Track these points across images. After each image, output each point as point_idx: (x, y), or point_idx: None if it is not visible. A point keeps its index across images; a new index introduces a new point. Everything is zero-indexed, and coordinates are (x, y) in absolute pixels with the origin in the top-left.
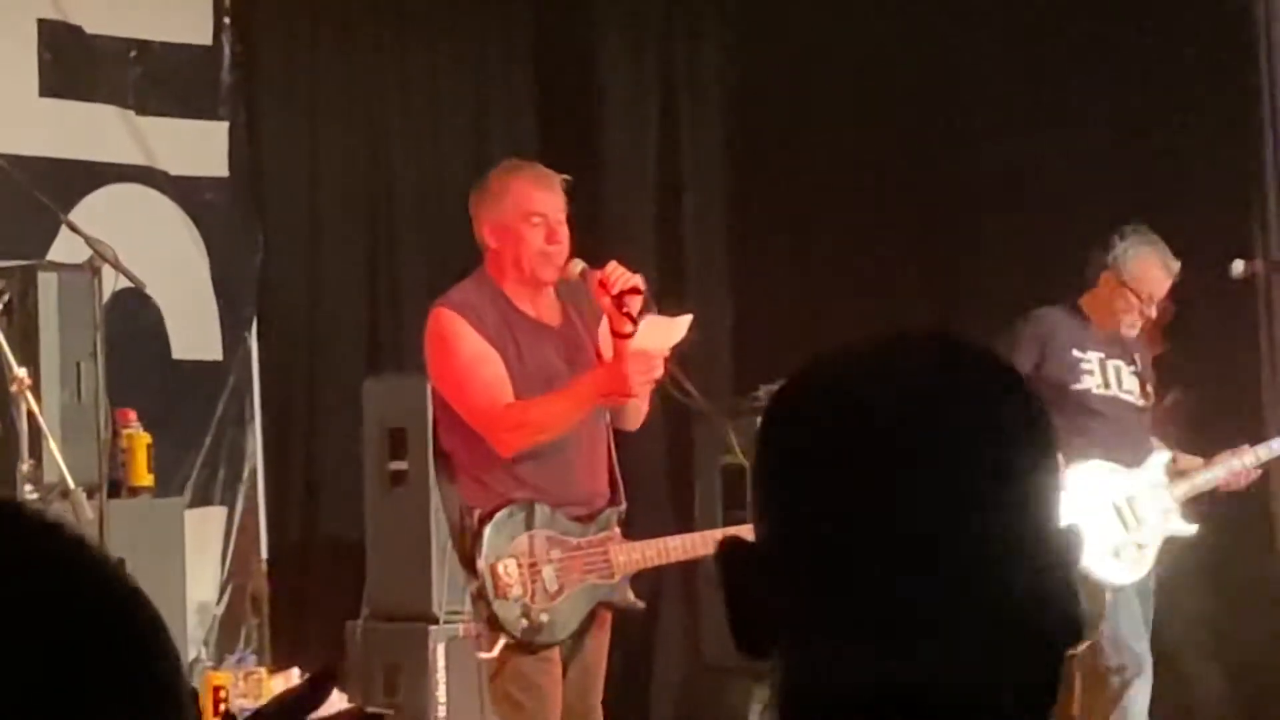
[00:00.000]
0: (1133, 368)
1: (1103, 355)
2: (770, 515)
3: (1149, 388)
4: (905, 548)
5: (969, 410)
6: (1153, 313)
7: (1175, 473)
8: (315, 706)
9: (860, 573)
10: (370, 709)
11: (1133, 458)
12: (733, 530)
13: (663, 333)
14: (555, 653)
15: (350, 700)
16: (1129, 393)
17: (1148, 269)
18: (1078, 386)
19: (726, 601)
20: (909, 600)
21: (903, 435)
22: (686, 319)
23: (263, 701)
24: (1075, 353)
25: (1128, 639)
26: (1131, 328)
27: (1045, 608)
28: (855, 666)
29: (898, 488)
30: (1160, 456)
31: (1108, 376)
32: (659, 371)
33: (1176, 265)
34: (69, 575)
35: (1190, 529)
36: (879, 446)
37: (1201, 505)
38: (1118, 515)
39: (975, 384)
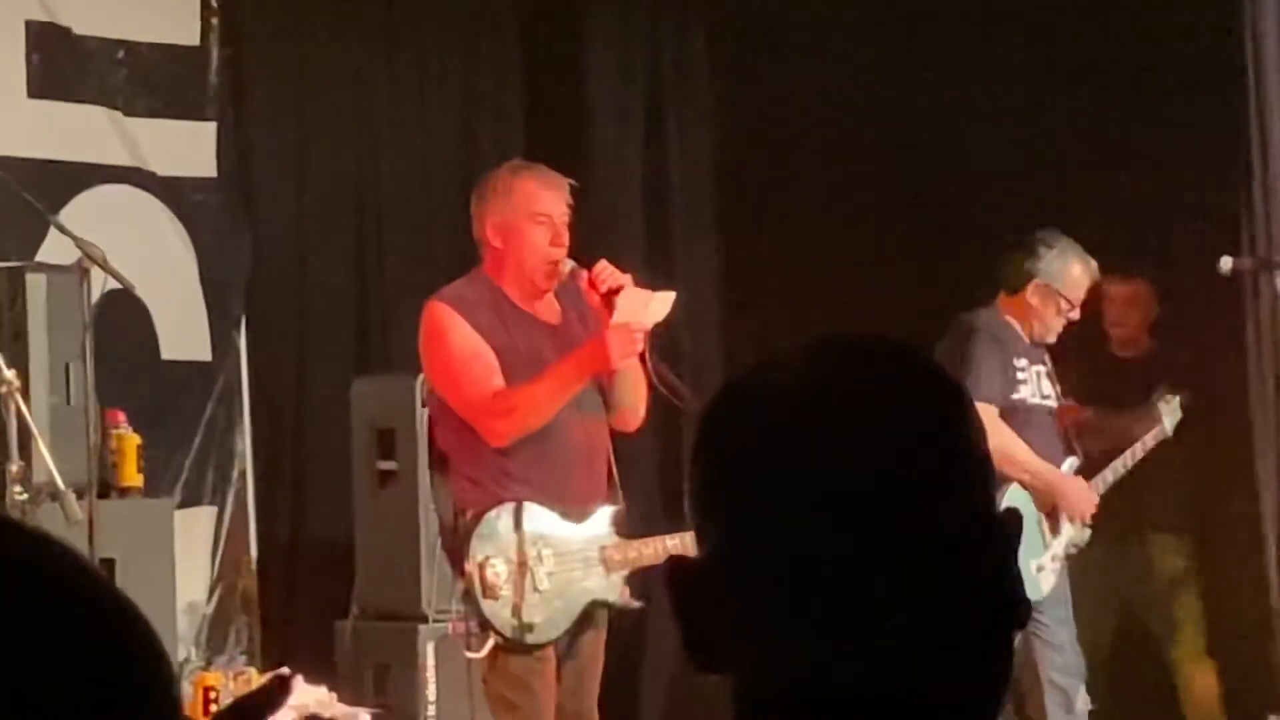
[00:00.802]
0: (1046, 369)
1: (1028, 361)
2: (712, 528)
3: (1058, 388)
4: (849, 548)
5: (901, 408)
6: (1076, 315)
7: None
8: (271, 711)
9: (807, 577)
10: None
11: (1054, 464)
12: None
13: (643, 306)
14: (548, 652)
15: (341, 699)
16: (1047, 397)
17: (1079, 275)
18: (1016, 396)
19: (678, 619)
20: (858, 600)
21: (837, 438)
22: (669, 295)
23: None
24: (1014, 361)
25: (1068, 643)
26: (1055, 333)
27: (991, 594)
28: (811, 671)
29: (835, 491)
30: (1072, 462)
31: (1035, 383)
32: (640, 345)
33: (1095, 266)
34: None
35: (1086, 534)
36: (814, 450)
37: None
38: (1038, 528)
39: (905, 382)
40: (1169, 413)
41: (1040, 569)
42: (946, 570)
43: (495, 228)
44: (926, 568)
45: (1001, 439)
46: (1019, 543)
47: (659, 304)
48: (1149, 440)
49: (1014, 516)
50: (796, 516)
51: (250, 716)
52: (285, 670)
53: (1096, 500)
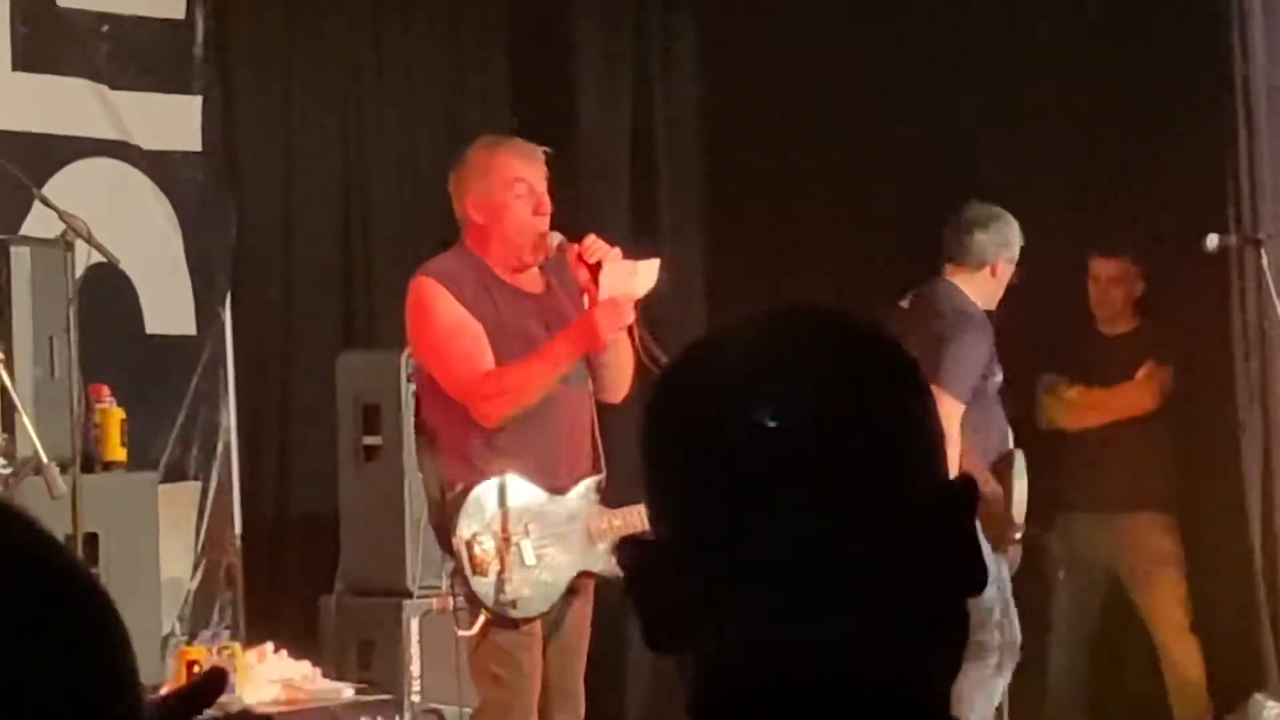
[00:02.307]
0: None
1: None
2: (665, 507)
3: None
4: (804, 520)
5: (854, 379)
6: None
7: None
8: (199, 709)
9: (762, 552)
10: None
11: (1006, 441)
12: None
13: (628, 278)
14: (536, 627)
15: (325, 675)
16: (999, 375)
17: (1019, 235)
18: (995, 379)
19: (634, 601)
20: (815, 573)
21: (788, 410)
22: (654, 263)
23: (235, 678)
24: (992, 346)
25: (1013, 620)
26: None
27: (949, 560)
28: (770, 648)
29: (787, 463)
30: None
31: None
32: (629, 318)
33: None
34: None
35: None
36: (764, 423)
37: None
38: None
39: (858, 354)
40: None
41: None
42: (906, 541)
43: (476, 204)
44: (887, 538)
45: (955, 452)
46: (976, 510)
47: (645, 273)
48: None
49: (970, 484)
50: (749, 492)
51: (180, 713)
52: (215, 669)
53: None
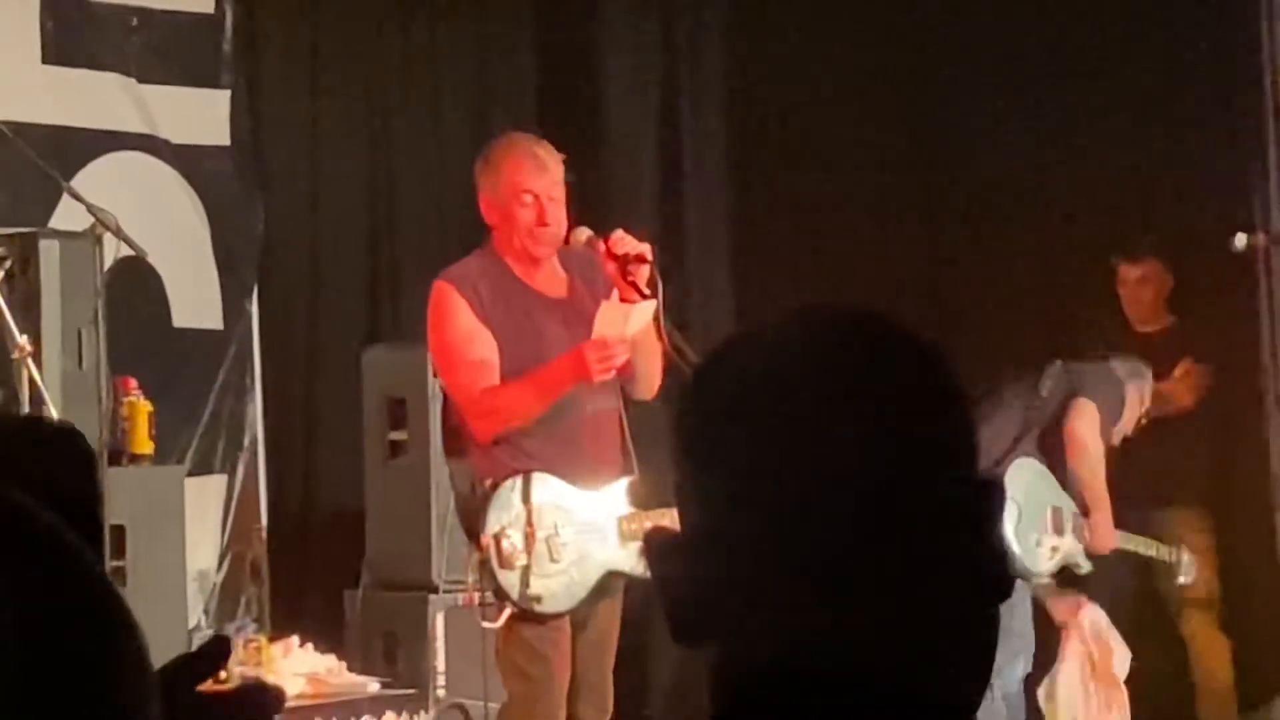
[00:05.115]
0: None
1: None
2: (695, 500)
3: None
4: (835, 521)
5: (884, 379)
6: None
7: None
8: (205, 676)
9: (792, 551)
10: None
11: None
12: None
13: (622, 318)
14: (564, 623)
15: (350, 669)
16: None
17: None
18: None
19: (660, 591)
20: (845, 573)
21: (818, 410)
22: (650, 304)
23: (261, 670)
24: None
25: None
26: None
27: (975, 563)
28: (793, 644)
29: (820, 465)
30: None
31: None
32: (620, 358)
33: None
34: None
35: (1085, 562)
36: (794, 422)
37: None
38: (1045, 513)
39: (889, 354)
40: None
41: (1039, 543)
42: (930, 542)
43: (487, 205)
44: (910, 540)
45: (1095, 440)
46: (1001, 514)
47: (639, 315)
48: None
49: (997, 488)
50: (776, 489)
51: (186, 681)
52: (219, 637)
53: (1114, 541)
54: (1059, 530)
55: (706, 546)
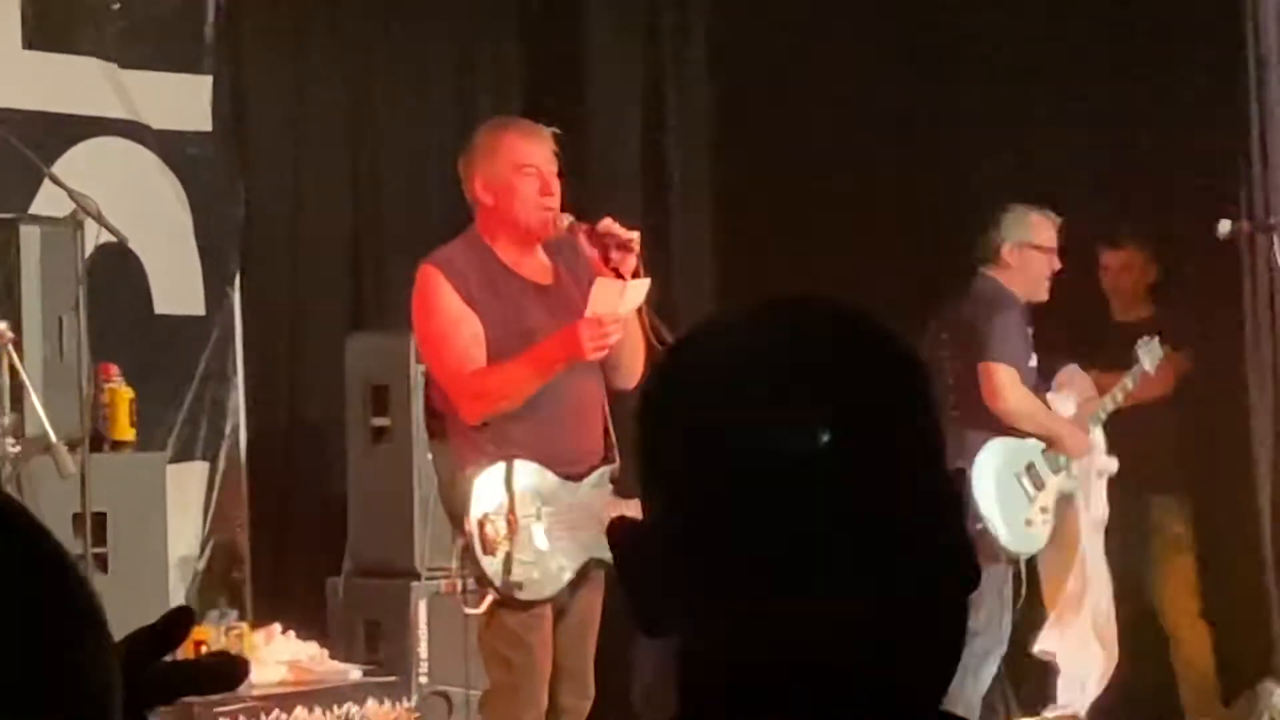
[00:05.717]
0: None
1: (1030, 329)
2: (660, 491)
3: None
4: (802, 517)
5: (846, 373)
6: (1057, 264)
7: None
8: (168, 648)
9: (758, 546)
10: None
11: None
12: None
13: (617, 296)
14: (546, 610)
15: (332, 656)
16: (1034, 361)
17: (1038, 220)
18: (1031, 364)
19: (623, 583)
20: (811, 567)
21: (777, 402)
22: (644, 282)
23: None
24: (1027, 329)
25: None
26: (1045, 288)
27: (942, 556)
28: (753, 639)
29: (789, 461)
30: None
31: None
32: (614, 336)
33: (1053, 214)
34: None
35: (1075, 483)
36: (753, 415)
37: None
38: (1019, 484)
39: (851, 346)
40: (1148, 353)
41: (1029, 522)
42: (895, 535)
43: (484, 185)
44: (874, 533)
45: (1019, 395)
46: (967, 502)
47: (633, 292)
48: (1129, 381)
49: (959, 476)
50: (735, 481)
51: (144, 655)
52: (182, 608)
53: (1090, 441)
54: (1039, 484)
55: (667, 538)
